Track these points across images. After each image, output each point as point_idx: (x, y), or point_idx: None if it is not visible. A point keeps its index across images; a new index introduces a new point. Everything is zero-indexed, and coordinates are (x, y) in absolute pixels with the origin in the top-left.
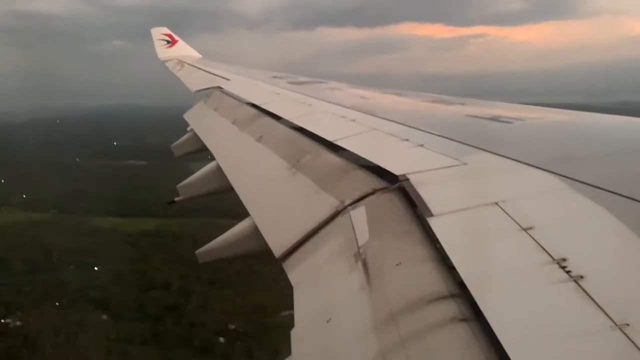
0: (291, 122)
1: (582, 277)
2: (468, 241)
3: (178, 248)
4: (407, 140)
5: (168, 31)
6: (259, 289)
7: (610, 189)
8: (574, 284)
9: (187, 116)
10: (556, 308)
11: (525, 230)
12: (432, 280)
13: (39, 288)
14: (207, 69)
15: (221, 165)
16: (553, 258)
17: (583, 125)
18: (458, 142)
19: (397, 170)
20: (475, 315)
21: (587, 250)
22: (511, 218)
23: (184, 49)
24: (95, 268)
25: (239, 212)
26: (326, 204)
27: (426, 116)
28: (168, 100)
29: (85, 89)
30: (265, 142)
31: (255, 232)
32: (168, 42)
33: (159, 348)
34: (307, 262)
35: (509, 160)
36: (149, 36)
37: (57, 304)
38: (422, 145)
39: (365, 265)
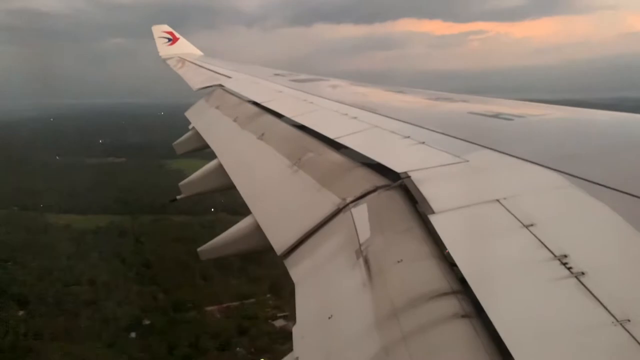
0: (293, 120)
1: (583, 273)
2: (469, 238)
3: (121, 244)
4: (408, 137)
5: (169, 29)
6: (185, 286)
7: (612, 186)
8: (575, 280)
9: (188, 114)
10: (557, 304)
11: (526, 227)
12: (433, 277)
13: None
14: (208, 67)
15: (223, 163)
16: (554, 255)
17: (585, 122)
18: (460, 139)
19: (398, 168)
20: (476, 312)
21: (589, 247)
22: (512, 215)
23: (185, 47)
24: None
25: (196, 210)
26: (328, 201)
27: (428, 113)
28: (168, 99)
29: (86, 87)
30: (267, 139)
31: (257, 229)
32: (169, 39)
33: (66, 343)
34: (309, 259)
35: (510, 157)
36: (147, 34)
37: None
38: (423, 143)
39: (366, 262)
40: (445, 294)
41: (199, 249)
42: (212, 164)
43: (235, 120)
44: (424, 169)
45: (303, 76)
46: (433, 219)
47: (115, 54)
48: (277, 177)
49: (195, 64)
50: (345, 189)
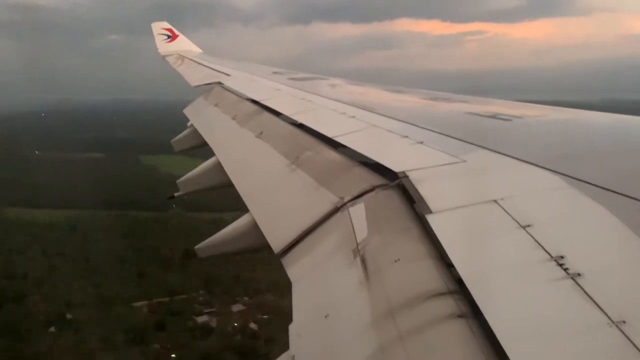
0: (291, 119)
1: (579, 274)
2: (466, 238)
3: (68, 239)
4: (406, 137)
5: (168, 26)
6: (120, 281)
7: (609, 187)
8: (571, 281)
9: (187, 111)
10: (553, 305)
11: (523, 227)
12: (430, 276)
13: None
14: (207, 64)
15: (221, 160)
16: (551, 255)
17: (582, 124)
18: (457, 139)
19: (396, 167)
20: (472, 312)
21: (585, 248)
22: (509, 215)
23: (184, 44)
24: None
25: (154, 205)
26: (325, 200)
27: (426, 113)
28: (165, 96)
29: (83, 83)
30: (265, 138)
31: (255, 227)
32: (168, 36)
33: None
34: (306, 258)
35: (508, 157)
36: (145, 30)
37: None
38: (421, 143)
39: (363, 261)
40: (441, 294)
41: (196, 247)
42: (210, 161)
43: (233, 118)
44: (421, 169)
45: (301, 75)
46: (430, 218)
47: (112, 50)
48: (275, 176)
49: (195, 61)
50: (343, 188)
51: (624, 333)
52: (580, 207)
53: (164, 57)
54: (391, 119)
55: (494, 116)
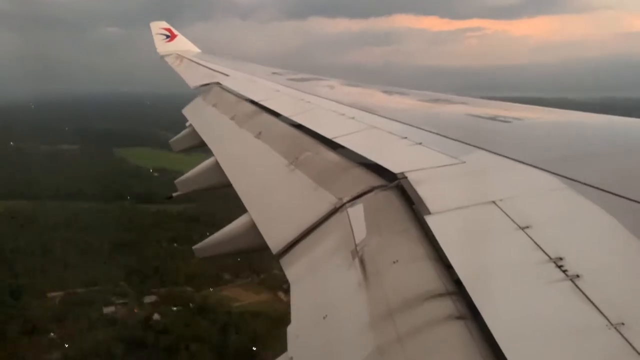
0: (290, 119)
1: (578, 276)
2: (465, 239)
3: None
4: (405, 138)
5: (167, 25)
6: (41, 271)
7: (608, 189)
8: (570, 283)
9: (185, 111)
10: (552, 307)
11: (522, 229)
12: (429, 278)
13: None
14: (206, 64)
15: (219, 161)
16: (550, 257)
17: (581, 126)
18: (457, 140)
19: (395, 168)
20: (471, 313)
21: (584, 250)
22: (508, 217)
23: (183, 44)
24: None
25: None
26: (324, 201)
27: (425, 115)
28: (161, 89)
29: (80, 75)
30: (264, 138)
31: (253, 228)
32: (167, 36)
33: None
34: (305, 258)
35: (507, 159)
36: (143, 23)
37: None
38: (420, 144)
39: (362, 262)
40: (440, 295)
41: (194, 247)
42: (209, 161)
43: (232, 119)
44: (420, 170)
45: (301, 75)
46: (429, 219)
47: (110, 43)
48: (274, 176)
49: (193, 61)
50: (341, 189)
51: (622, 335)
52: (579, 209)
53: (162, 57)
54: (390, 120)
55: (493, 118)
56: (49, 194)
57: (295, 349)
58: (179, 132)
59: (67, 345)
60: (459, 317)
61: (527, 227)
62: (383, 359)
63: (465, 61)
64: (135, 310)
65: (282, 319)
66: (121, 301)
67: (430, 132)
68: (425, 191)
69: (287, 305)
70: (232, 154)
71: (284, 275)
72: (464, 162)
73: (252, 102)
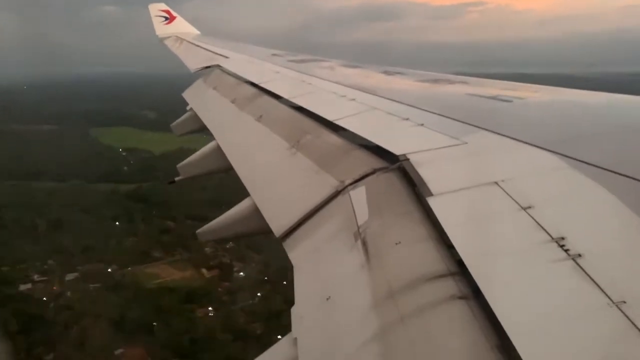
0: (291, 102)
1: (580, 255)
2: (467, 220)
3: None
4: (407, 119)
5: (166, 7)
6: None
7: (610, 168)
8: (572, 262)
9: (186, 95)
10: (554, 286)
11: (524, 209)
12: (431, 258)
13: None
14: (205, 47)
15: (221, 145)
16: (552, 237)
17: (583, 105)
18: (458, 121)
19: (397, 150)
20: (473, 293)
21: (586, 229)
22: (510, 197)
23: (182, 26)
24: None
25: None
26: (326, 183)
27: (427, 95)
28: (160, 69)
29: (75, 55)
30: (265, 121)
31: (256, 211)
32: (166, 18)
33: None
34: (307, 241)
35: (509, 139)
36: (140, 1)
37: None
38: (422, 125)
39: (364, 244)
40: (442, 275)
41: (197, 231)
42: (210, 145)
43: (233, 102)
44: (422, 151)
45: (301, 56)
46: (431, 201)
47: (107, 22)
48: (276, 160)
49: (193, 43)
50: (343, 171)
51: (624, 313)
52: (581, 188)
53: (162, 39)
54: (391, 101)
55: (494, 97)
56: (6, 173)
57: (300, 330)
58: (163, 112)
59: None
60: (461, 297)
61: (529, 207)
62: (386, 339)
63: (467, 37)
64: (55, 288)
65: (195, 293)
66: (42, 279)
67: (432, 112)
68: (427, 173)
69: (207, 280)
70: (233, 138)
71: (213, 253)
72: (466, 142)
73: (253, 84)
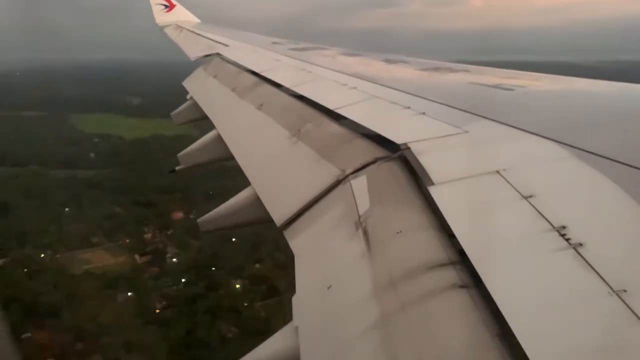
0: (292, 90)
1: (581, 244)
2: (468, 209)
3: None
4: (408, 108)
5: None
6: None
7: (611, 157)
8: (573, 251)
9: (186, 83)
10: (555, 275)
11: (525, 198)
12: (432, 247)
13: None
14: (205, 35)
15: (221, 133)
16: (553, 226)
17: (585, 93)
18: (460, 110)
19: (398, 139)
20: (474, 282)
21: (587, 218)
22: (512, 186)
23: (182, 14)
24: None
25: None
26: (327, 172)
27: (428, 84)
28: (162, 57)
29: (84, 43)
30: (265, 110)
31: (257, 201)
32: (166, 6)
33: None
34: (308, 230)
35: (510, 128)
36: None
37: None
38: (423, 114)
39: (365, 233)
40: (443, 264)
41: (198, 220)
42: (210, 134)
43: (233, 90)
44: (423, 140)
45: (301, 45)
46: (432, 190)
47: (105, 9)
48: (277, 149)
49: (193, 31)
50: (344, 160)
51: (624, 302)
52: (583, 177)
53: (162, 28)
54: (393, 89)
55: (496, 86)
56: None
57: (301, 318)
58: (147, 98)
59: None
60: (462, 286)
61: (531, 196)
62: (387, 328)
63: (468, 24)
64: None
65: (121, 278)
66: None
67: (434, 101)
68: (428, 162)
69: (137, 266)
70: (234, 127)
71: (152, 239)
72: (467, 131)
73: (253, 73)
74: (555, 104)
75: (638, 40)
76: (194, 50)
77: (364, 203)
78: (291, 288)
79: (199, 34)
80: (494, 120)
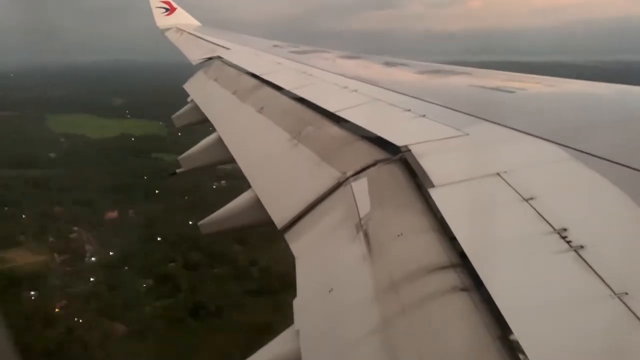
0: (292, 93)
1: (582, 247)
2: (469, 212)
3: None
4: (409, 110)
5: None
6: None
7: (612, 159)
8: (574, 253)
9: (187, 86)
10: (556, 278)
11: (526, 200)
12: (433, 250)
13: None
14: (206, 38)
15: (222, 136)
16: (554, 228)
17: (585, 95)
18: (460, 112)
19: (399, 141)
20: (475, 285)
21: (588, 221)
22: (512, 188)
23: (183, 17)
24: None
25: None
26: (328, 175)
27: (429, 86)
28: (162, 58)
29: (84, 44)
30: (266, 113)
31: (257, 203)
32: (167, 9)
33: None
34: (309, 233)
35: (511, 130)
36: None
37: None
38: (424, 116)
39: (366, 236)
40: (444, 267)
41: (199, 223)
42: (211, 137)
43: (234, 93)
44: (424, 143)
45: (302, 47)
46: (433, 192)
47: (110, 10)
48: (277, 151)
49: (194, 35)
50: (345, 163)
51: (625, 304)
52: (583, 180)
53: (163, 31)
54: (393, 92)
55: (497, 88)
56: None
57: (302, 322)
58: (130, 99)
59: None
60: (463, 289)
61: (531, 198)
62: (388, 331)
63: (467, 25)
64: None
65: (31, 277)
66: None
67: (434, 103)
68: (429, 164)
69: (53, 265)
70: (234, 130)
71: (77, 238)
72: (468, 134)
73: (254, 75)
74: (555, 106)
75: (635, 40)
76: (195, 53)
77: (364, 205)
78: (194, 286)
79: (200, 37)
80: (494, 123)
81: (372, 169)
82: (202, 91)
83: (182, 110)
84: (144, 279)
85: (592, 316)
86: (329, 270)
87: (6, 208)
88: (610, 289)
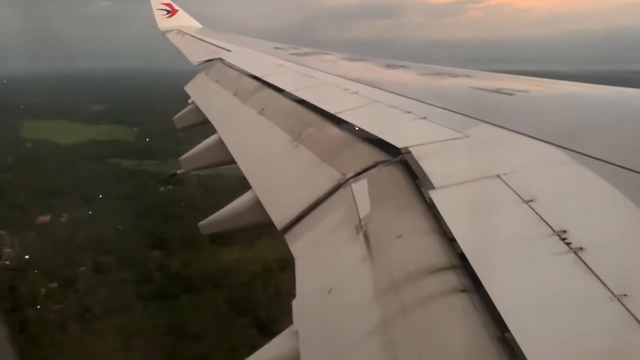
0: (293, 95)
1: (582, 248)
2: (469, 214)
3: None
4: (409, 112)
5: (168, 0)
6: None
7: (612, 162)
8: (573, 255)
9: (188, 88)
10: (556, 279)
11: (526, 202)
12: (432, 251)
13: None
14: (207, 40)
15: (223, 138)
16: (553, 230)
17: (585, 98)
18: (461, 114)
19: (399, 143)
20: (475, 286)
21: (588, 223)
22: (512, 190)
23: (184, 19)
24: None
25: None
26: (328, 176)
27: (429, 88)
28: (163, 64)
29: (82, 51)
30: (267, 114)
31: (258, 204)
32: (168, 12)
33: None
34: (309, 234)
35: (511, 132)
36: None
37: None
38: (424, 118)
39: (366, 237)
40: (444, 268)
41: (199, 224)
42: (212, 138)
43: (235, 95)
44: (424, 144)
45: (303, 50)
46: (433, 194)
47: (102, 17)
48: (278, 152)
49: (195, 37)
50: (345, 164)
51: (625, 306)
52: (583, 182)
53: (164, 33)
54: (394, 94)
55: (497, 91)
56: None
57: (301, 322)
58: (115, 105)
59: None
60: (463, 290)
61: (531, 200)
62: (388, 332)
63: (467, 34)
64: None
65: None
66: None
67: (434, 105)
68: (429, 166)
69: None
70: (235, 131)
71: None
72: (468, 136)
73: (255, 77)
74: (555, 109)
75: (632, 49)
76: (196, 55)
77: (364, 207)
78: (91, 289)
79: (201, 39)
80: (494, 125)
81: (373, 170)
82: (203, 93)
83: (182, 112)
84: (49, 282)
85: (591, 318)
86: (329, 271)
87: None
88: (610, 290)
